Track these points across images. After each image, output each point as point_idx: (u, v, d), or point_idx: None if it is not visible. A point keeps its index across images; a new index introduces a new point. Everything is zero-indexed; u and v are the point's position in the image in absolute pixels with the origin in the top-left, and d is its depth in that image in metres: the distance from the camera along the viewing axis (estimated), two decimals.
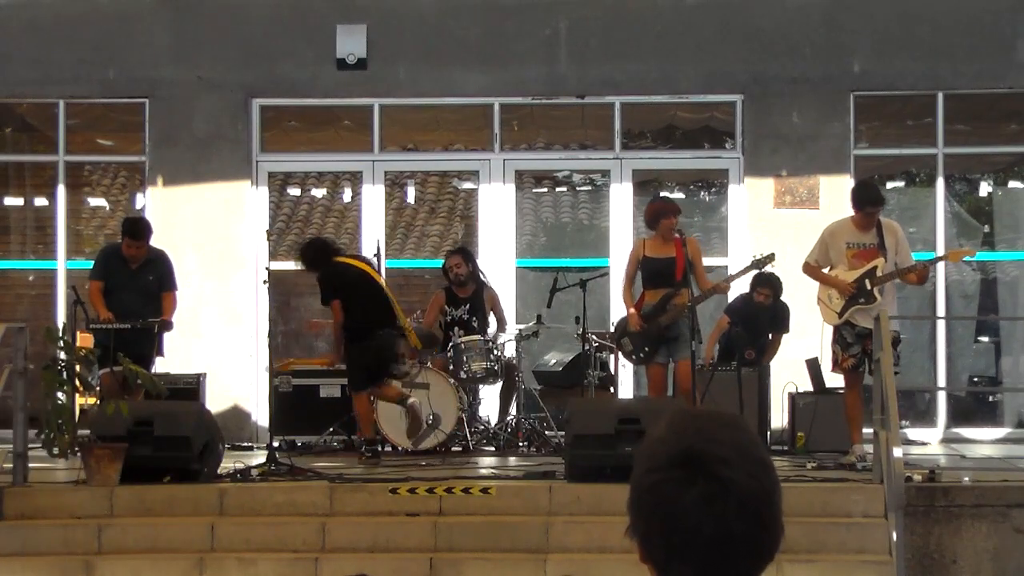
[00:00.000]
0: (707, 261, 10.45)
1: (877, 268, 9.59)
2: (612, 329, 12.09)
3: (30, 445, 8.98)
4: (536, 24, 13.24)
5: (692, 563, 1.79)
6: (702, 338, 10.05)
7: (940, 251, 12.46)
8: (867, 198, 9.75)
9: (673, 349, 9.93)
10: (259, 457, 10.14)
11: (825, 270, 9.86)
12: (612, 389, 11.97)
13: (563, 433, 9.90)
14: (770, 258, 9.91)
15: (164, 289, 10.69)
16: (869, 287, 9.58)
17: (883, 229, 9.68)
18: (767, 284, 11.56)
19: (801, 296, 12.15)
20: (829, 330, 9.97)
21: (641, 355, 10.11)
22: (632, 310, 10.09)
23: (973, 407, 13.84)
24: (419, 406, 10.32)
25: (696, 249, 10.15)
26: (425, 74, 13.26)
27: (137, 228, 10.76)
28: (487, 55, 13.25)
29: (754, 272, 10.63)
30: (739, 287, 12.08)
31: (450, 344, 11.33)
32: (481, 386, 11.68)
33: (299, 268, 10.79)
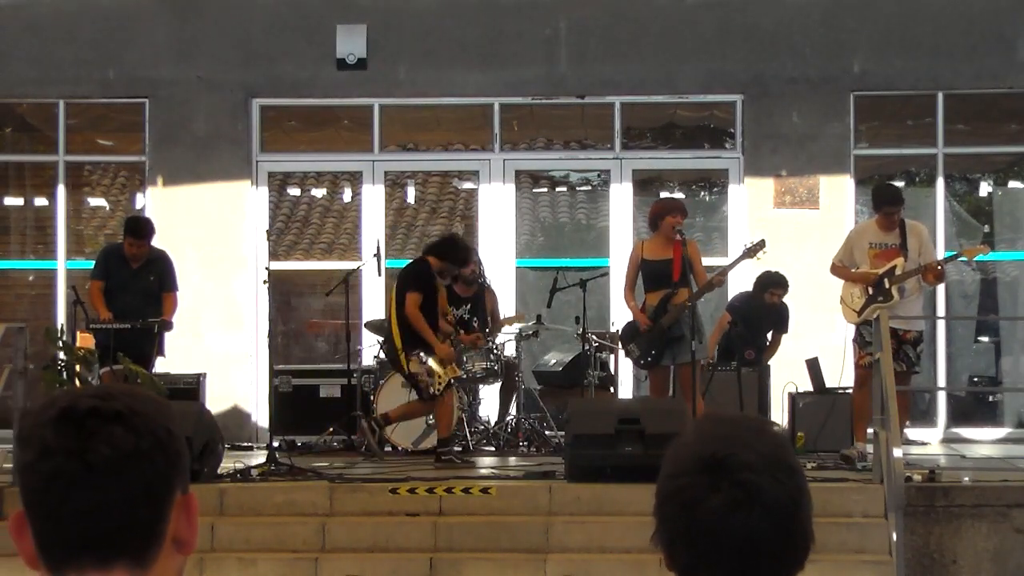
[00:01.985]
0: (707, 261, 10.44)
1: (896, 267, 9.62)
2: (612, 329, 12.11)
3: None
4: (536, 24, 13.23)
5: (717, 570, 1.77)
6: (703, 337, 10.03)
7: (940, 252, 12.45)
8: (884, 198, 9.84)
9: (676, 351, 9.92)
10: (259, 457, 10.14)
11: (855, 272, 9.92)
12: (612, 389, 11.96)
13: (563, 433, 9.89)
14: (760, 245, 9.92)
15: (165, 289, 10.70)
16: (887, 286, 9.61)
17: (907, 230, 9.75)
18: (780, 285, 11.54)
19: (802, 296, 12.18)
20: (842, 331, 10.02)
21: (649, 359, 10.09)
22: (638, 311, 10.07)
23: (973, 407, 13.84)
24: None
25: (695, 250, 10.13)
26: (425, 74, 13.26)
27: (139, 227, 10.76)
28: (487, 55, 13.25)
29: (760, 270, 10.63)
30: (741, 285, 12.09)
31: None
32: (481, 386, 11.67)
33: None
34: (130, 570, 1.63)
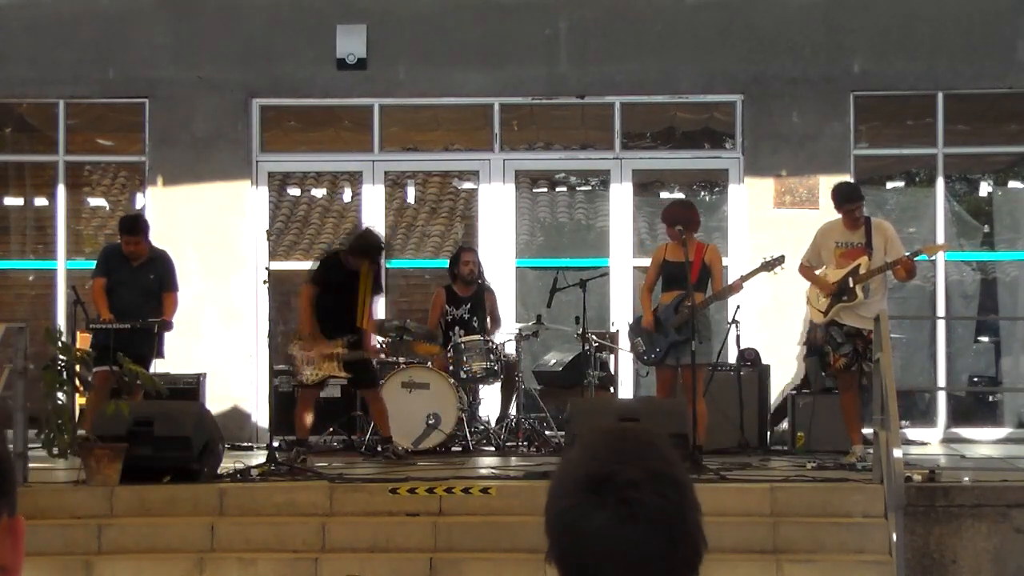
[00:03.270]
0: None
1: (860, 266, 9.63)
2: (612, 329, 12.13)
3: (30, 445, 8.99)
4: (536, 24, 13.23)
5: None
6: (702, 338, 10.01)
7: None
8: (843, 196, 9.87)
9: (681, 352, 9.92)
10: (259, 457, 10.14)
11: (819, 271, 9.93)
12: (612, 389, 11.97)
13: (563, 433, 9.90)
14: (779, 260, 9.94)
15: (165, 289, 10.68)
16: (851, 285, 9.62)
17: (872, 229, 9.75)
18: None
19: (802, 296, 12.18)
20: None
21: (652, 356, 10.10)
22: (649, 310, 10.09)
23: (973, 407, 13.83)
24: None
25: (716, 255, 10.15)
26: (425, 74, 13.26)
27: (132, 224, 10.72)
28: (487, 55, 13.25)
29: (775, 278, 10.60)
30: (754, 296, 12.08)
31: (450, 344, 11.33)
32: (481, 386, 11.67)
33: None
34: None
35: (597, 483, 1.80)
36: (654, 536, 1.78)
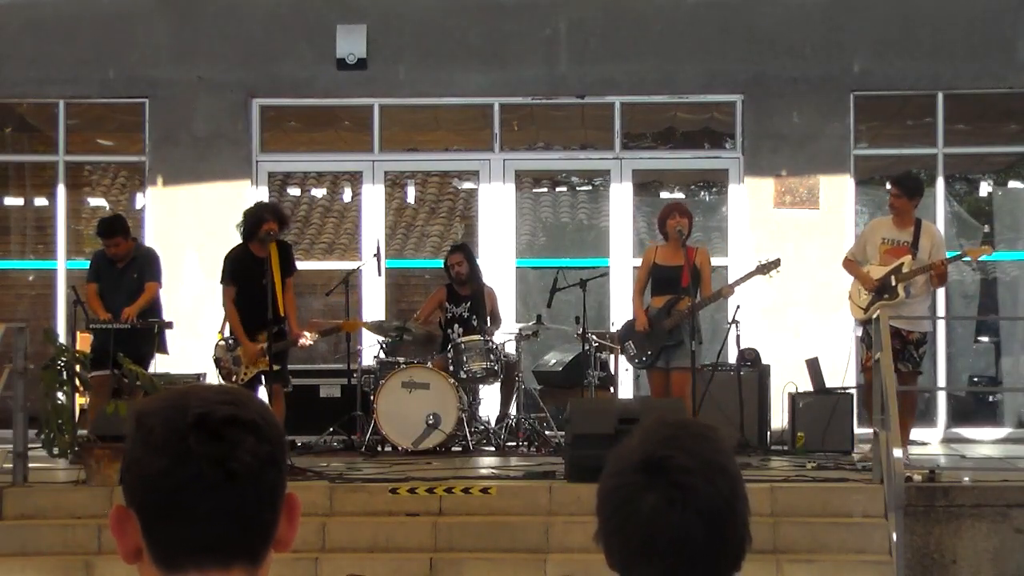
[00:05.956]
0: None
1: (904, 265, 9.60)
2: (612, 329, 12.11)
3: (30, 445, 8.99)
4: (536, 24, 13.23)
5: (649, 567, 1.81)
6: (702, 339, 10.02)
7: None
8: (914, 188, 9.83)
9: (671, 355, 9.91)
10: None
11: (865, 268, 9.89)
12: (612, 389, 11.96)
13: (563, 433, 9.90)
14: (775, 263, 9.91)
15: (147, 281, 10.59)
16: (894, 283, 9.60)
17: (921, 229, 9.74)
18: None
19: (802, 296, 12.19)
20: (842, 330, 10.01)
21: (644, 359, 10.10)
22: (641, 311, 10.08)
23: (973, 407, 13.83)
24: None
25: (705, 258, 10.14)
26: (425, 74, 13.26)
27: (106, 227, 10.63)
28: (487, 55, 13.25)
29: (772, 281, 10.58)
30: (749, 298, 12.08)
31: (450, 344, 11.33)
32: (481, 386, 11.67)
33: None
34: (246, 569, 1.72)
35: (650, 465, 1.82)
36: (701, 523, 1.80)
